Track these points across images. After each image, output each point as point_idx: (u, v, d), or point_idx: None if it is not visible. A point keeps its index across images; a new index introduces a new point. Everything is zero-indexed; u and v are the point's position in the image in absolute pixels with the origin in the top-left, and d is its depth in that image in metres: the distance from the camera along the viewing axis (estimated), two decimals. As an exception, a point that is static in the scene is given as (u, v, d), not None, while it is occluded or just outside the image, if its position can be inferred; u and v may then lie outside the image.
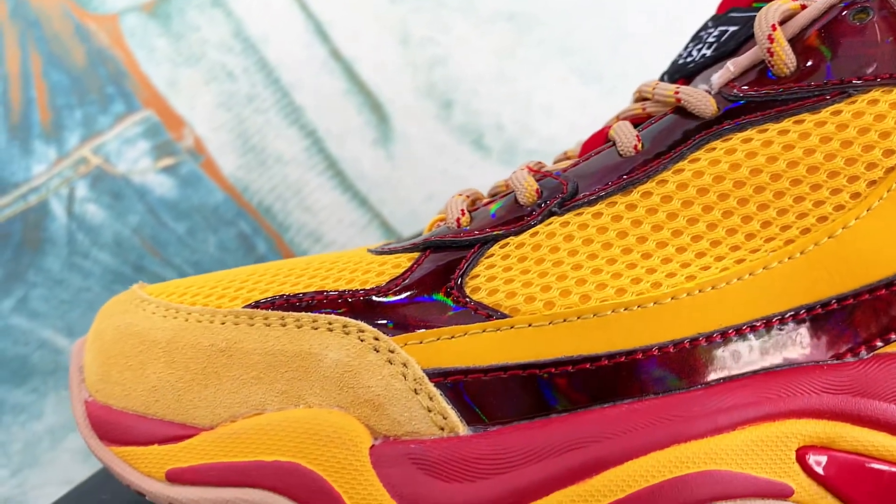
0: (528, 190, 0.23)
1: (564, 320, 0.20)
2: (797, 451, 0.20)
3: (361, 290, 0.22)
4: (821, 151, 0.21)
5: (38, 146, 0.47)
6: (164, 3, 0.48)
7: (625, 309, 0.21)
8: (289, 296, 0.22)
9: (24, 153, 0.47)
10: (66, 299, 0.46)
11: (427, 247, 0.23)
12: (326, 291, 0.22)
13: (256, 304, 0.22)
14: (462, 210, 0.24)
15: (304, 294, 0.22)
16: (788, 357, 0.21)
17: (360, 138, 0.49)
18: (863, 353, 0.21)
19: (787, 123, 0.22)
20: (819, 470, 0.20)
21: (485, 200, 0.25)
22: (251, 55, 0.49)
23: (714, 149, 0.22)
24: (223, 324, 0.22)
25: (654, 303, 0.21)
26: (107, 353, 0.23)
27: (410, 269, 0.22)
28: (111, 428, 0.22)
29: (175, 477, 0.21)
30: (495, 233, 0.22)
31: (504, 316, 0.21)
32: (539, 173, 0.24)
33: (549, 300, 0.21)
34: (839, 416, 0.21)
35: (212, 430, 0.21)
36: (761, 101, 0.22)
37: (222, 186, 0.48)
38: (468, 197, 0.25)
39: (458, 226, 0.23)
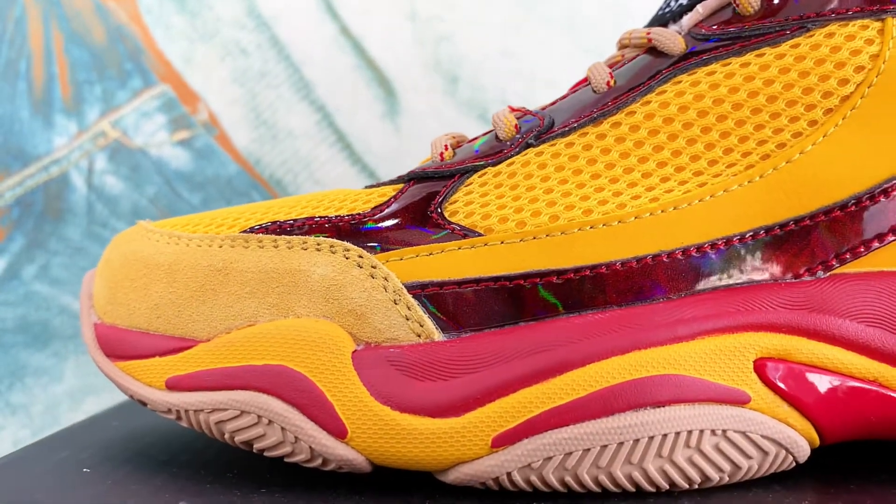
0: (507, 125, 0.25)
1: (534, 238, 0.22)
2: (755, 361, 0.22)
3: (348, 215, 0.23)
4: (780, 82, 0.23)
5: (60, 120, 0.49)
6: (180, -17, 0.50)
7: (590, 227, 0.22)
8: (281, 222, 0.23)
9: (46, 126, 0.49)
10: (85, 267, 0.48)
11: (411, 178, 0.24)
12: (316, 217, 0.23)
13: (252, 230, 0.23)
14: (445, 146, 0.25)
15: (295, 220, 0.23)
16: (748, 275, 0.22)
17: (368, 113, 0.50)
18: (820, 272, 0.22)
19: (748, 57, 0.23)
20: (776, 380, 0.22)
21: (469, 139, 0.26)
22: (264, 32, 0.50)
23: (680, 82, 0.23)
24: (221, 247, 0.23)
25: (619, 221, 0.22)
26: (114, 279, 0.24)
27: (394, 198, 0.23)
28: (117, 345, 0.24)
29: (174, 384, 0.22)
30: (474, 164, 0.24)
31: (479, 235, 0.22)
32: (519, 111, 0.26)
33: (520, 220, 0.22)
34: (795, 330, 0.22)
35: (208, 341, 0.22)
36: (727, 38, 0.24)
37: (235, 159, 0.50)
38: (454, 137, 0.27)
39: (441, 159, 0.25)
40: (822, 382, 0.22)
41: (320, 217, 0.23)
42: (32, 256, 0.48)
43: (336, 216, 0.23)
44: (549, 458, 0.20)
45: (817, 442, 0.22)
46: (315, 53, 0.50)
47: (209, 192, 0.49)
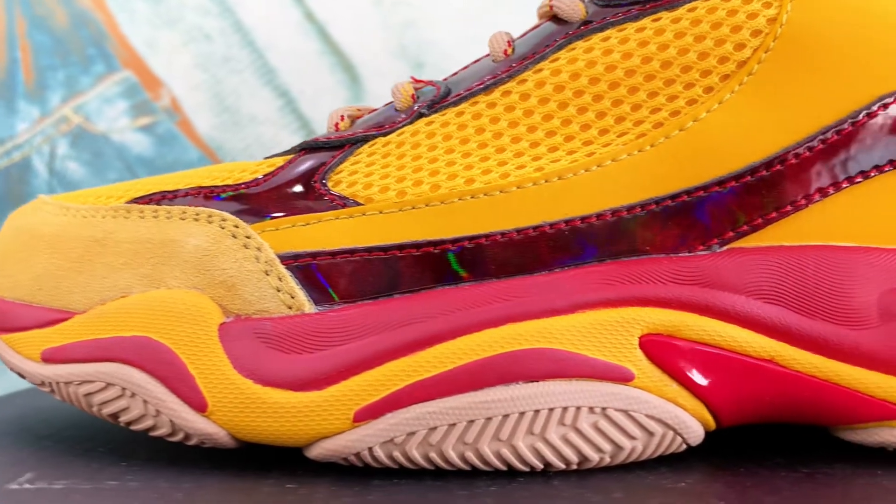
0: (403, 96, 0.24)
1: (413, 207, 0.21)
2: (641, 337, 0.21)
3: (232, 185, 0.23)
4: (674, 47, 0.22)
5: (23, 105, 0.49)
6: (144, -32, 0.50)
7: (471, 197, 0.21)
8: (166, 192, 0.23)
9: (8, 112, 0.48)
10: (46, 252, 0.47)
11: (303, 148, 0.23)
12: (201, 187, 0.23)
13: (136, 200, 0.23)
14: (342, 116, 0.24)
15: (179, 190, 0.23)
16: (637, 247, 0.21)
17: (332, 98, 0.50)
18: (715, 246, 0.21)
19: (644, 21, 0.22)
20: (663, 357, 0.21)
21: (370, 109, 0.25)
22: (228, 17, 0.50)
23: (574, 49, 0.22)
24: (104, 217, 0.23)
25: (500, 191, 0.21)
26: (4, 251, 0.24)
27: (282, 168, 0.23)
28: (1, 317, 0.23)
29: (48, 356, 0.22)
30: (365, 134, 0.23)
31: (358, 205, 0.21)
32: (421, 82, 0.25)
33: (401, 190, 0.21)
34: (686, 306, 0.21)
35: (84, 313, 0.22)
36: (626, 3, 0.23)
37: (197, 145, 0.49)
38: (359, 109, 0.26)
39: (336, 130, 0.24)
40: (715, 361, 0.21)
41: (205, 187, 0.23)
42: (-6, 241, 0.47)
43: (220, 186, 0.23)
44: (413, 434, 0.20)
45: (712, 424, 0.21)
46: (279, 39, 0.50)
47: (171, 178, 0.49)
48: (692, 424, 0.21)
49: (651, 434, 0.21)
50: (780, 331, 0.21)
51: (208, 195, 0.22)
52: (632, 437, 0.21)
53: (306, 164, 0.23)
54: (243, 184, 0.22)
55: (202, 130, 0.49)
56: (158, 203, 0.23)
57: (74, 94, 0.49)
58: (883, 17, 0.21)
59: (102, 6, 0.49)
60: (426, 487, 0.19)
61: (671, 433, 0.21)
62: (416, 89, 0.24)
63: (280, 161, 0.23)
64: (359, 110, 0.26)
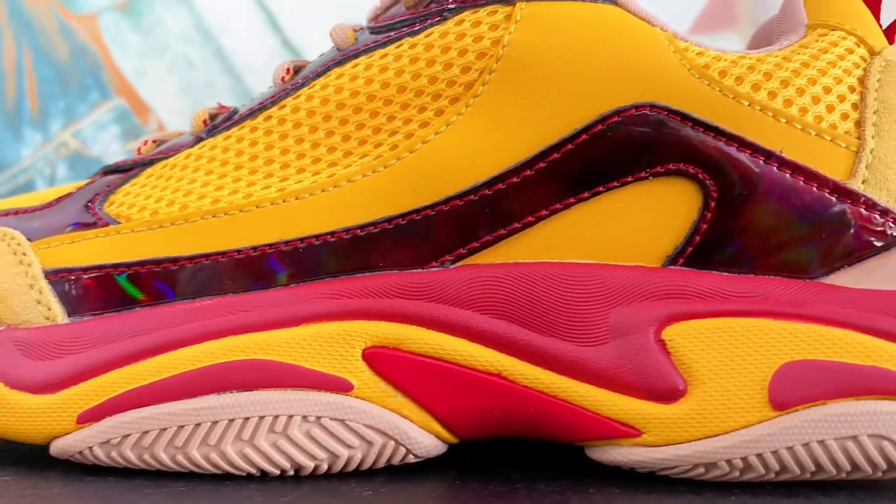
0: (196, 120, 0.26)
1: (160, 226, 0.23)
2: (365, 350, 0.22)
3: (33, 206, 0.25)
4: (409, 72, 0.22)
5: (27, 132, 0.53)
6: (136, 2, 0.53)
7: (213, 216, 0.23)
8: (-17, 213, 0.25)
9: (15, 138, 0.53)
10: (46, 267, 0.51)
11: (104, 171, 0.26)
12: (9, 210, 0.25)
13: (-41, 222, 0.26)
14: (145, 141, 0.26)
15: (-7, 212, 0.25)
16: (370, 264, 0.22)
17: (305, 120, 0.52)
18: (448, 262, 0.22)
19: (390, 48, 0.23)
20: (387, 369, 0.21)
21: (179, 134, 0.27)
22: (210, 45, 0.53)
23: (329, 75, 0.24)
24: (-69, 237, 0.25)
25: (240, 211, 0.22)
26: None
27: (79, 189, 0.25)
28: None
29: None
30: (153, 157, 0.25)
31: (117, 224, 0.23)
32: (223, 108, 0.26)
33: (155, 210, 0.23)
34: (411, 319, 0.22)
35: None
36: (383, 31, 0.24)
37: (181, 166, 0.52)
38: (181, 135, 0.28)
39: (138, 153, 0.26)
40: (439, 373, 0.22)
41: (12, 209, 0.25)
42: (1, 257, 0.52)
43: (24, 208, 0.25)
44: (127, 436, 0.21)
45: (448, 436, 0.22)
46: (257, 64, 0.53)
47: (158, 197, 0.52)
48: (416, 435, 0.22)
49: (370, 443, 0.21)
50: (507, 345, 0.21)
51: (13, 216, 0.25)
52: (349, 446, 0.21)
53: (96, 186, 0.25)
54: (39, 205, 0.25)
55: (185, 152, 0.52)
56: (-25, 224, 0.25)
57: (72, 120, 0.53)
58: (596, 40, 0.21)
59: (99, 39, 0.53)
60: (120, 486, 0.21)
61: (392, 443, 0.22)
62: (211, 115, 0.26)
63: (82, 183, 0.25)
64: (180, 135, 0.28)
